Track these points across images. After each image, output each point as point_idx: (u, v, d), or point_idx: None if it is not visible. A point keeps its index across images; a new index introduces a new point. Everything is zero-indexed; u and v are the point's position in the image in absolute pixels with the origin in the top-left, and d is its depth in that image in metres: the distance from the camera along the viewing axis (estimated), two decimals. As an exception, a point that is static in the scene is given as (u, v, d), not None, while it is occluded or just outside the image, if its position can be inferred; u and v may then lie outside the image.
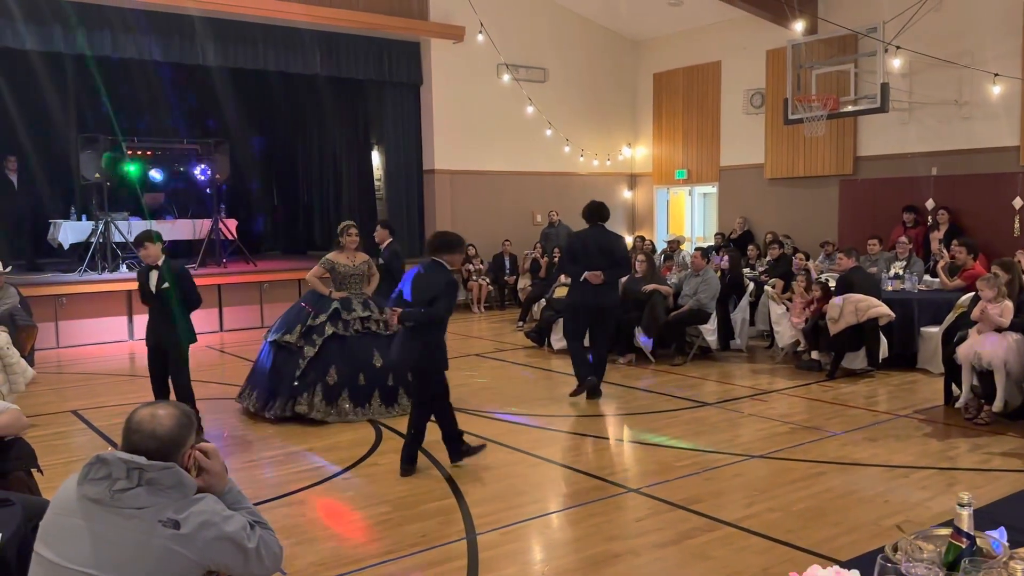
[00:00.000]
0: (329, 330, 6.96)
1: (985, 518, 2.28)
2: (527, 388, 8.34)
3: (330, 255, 7.35)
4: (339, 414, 6.83)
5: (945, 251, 9.23)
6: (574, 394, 7.59)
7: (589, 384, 7.51)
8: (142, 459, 2.14)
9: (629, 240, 16.12)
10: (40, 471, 3.92)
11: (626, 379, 8.55)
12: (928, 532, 2.26)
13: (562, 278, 11.23)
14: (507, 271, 14.37)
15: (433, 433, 6.18)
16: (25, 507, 2.96)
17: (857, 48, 12.28)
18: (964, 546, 1.89)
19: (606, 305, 7.52)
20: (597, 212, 7.63)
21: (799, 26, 11.24)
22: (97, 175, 11.96)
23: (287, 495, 5.17)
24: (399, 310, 5.51)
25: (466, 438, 5.73)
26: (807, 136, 12.19)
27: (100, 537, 2.09)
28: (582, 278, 7.38)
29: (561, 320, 10.05)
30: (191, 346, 6.53)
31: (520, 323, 12.00)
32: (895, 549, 2.05)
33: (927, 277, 9.79)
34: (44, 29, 11.04)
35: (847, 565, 1.96)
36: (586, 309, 7.53)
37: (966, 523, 1.90)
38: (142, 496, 2.11)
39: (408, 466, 5.53)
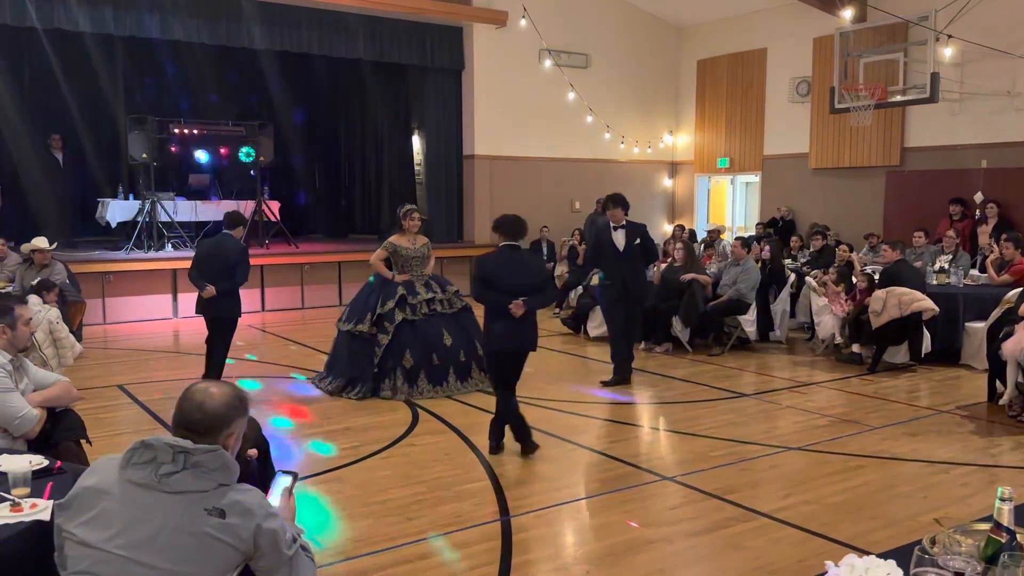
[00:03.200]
0: (399, 316, 7.14)
1: (1025, 515, 2.25)
2: (564, 374, 8.34)
3: (392, 238, 7.46)
4: (420, 394, 7.08)
5: (996, 245, 9.03)
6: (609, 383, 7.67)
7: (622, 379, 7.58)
8: (188, 443, 2.17)
9: (668, 228, 16.03)
10: (89, 442, 4.03)
11: (662, 368, 8.52)
12: (967, 526, 2.24)
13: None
14: (544, 257, 14.36)
15: (471, 416, 6.24)
16: (76, 476, 3.05)
17: (907, 37, 12.02)
18: (1004, 540, 1.87)
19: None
20: (623, 203, 7.63)
21: (848, 13, 11.04)
22: (145, 155, 12.18)
23: (325, 472, 5.26)
24: (520, 300, 5.39)
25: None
26: (853, 126, 11.98)
27: (143, 522, 2.11)
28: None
29: (598, 307, 10.07)
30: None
31: (557, 310, 12.01)
32: (933, 542, 2.04)
33: (973, 272, 9.59)
34: (95, 11, 11.24)
35: (883, 557, 1.95)
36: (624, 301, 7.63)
37: (1006, 518, 1.89)
38: (188, 479, 2.14)
39: (495, 443, 5.68)
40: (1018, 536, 1.91)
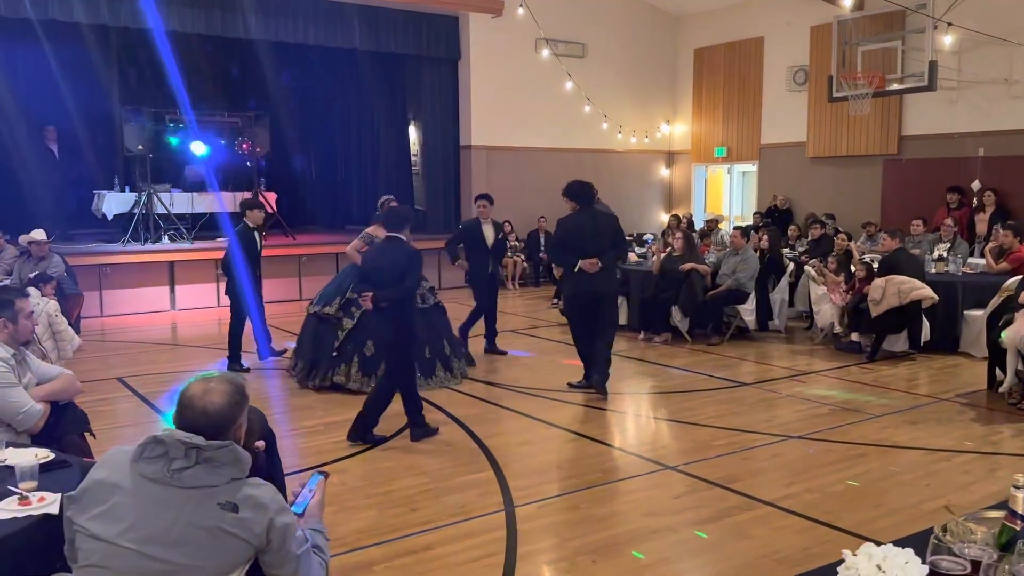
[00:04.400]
0: None
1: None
2: (563, 364, 8.34)
3: (370, 229, 7.44)
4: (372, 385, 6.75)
5: (1000, 231, 9.02)
6: (575, 386, 7.11)
7: (596, 383, 6.87)
8: (200, 439, 2.16)
9: (664, 219, 16.03)
10: (93, 435, 4.02)
11: (662, 358, 8.53)
12: (977, 514, 2.25)
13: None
14: (542, 248, 14.35)
15: (473, 407, 6.24)
16: (83, 469, 3.04)
17: (905, 25, 12.01)
18: (1018, 528, 1.87)
19: (607, 292, 6.88)
20: (588, 193, 6.93)
21: (847, 1, 11.01)
22: (140, 147, 12.13)
23: (329, 463, 5.25)
24: (370, 294, 5.58)
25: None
26: (852, 114, 11.97)
27: (155, 516, 2.11)
28: (577, 268, 6.67)
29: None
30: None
31: (555, 300, 12.00)
32: (944, 530, 2.04)
33: (971, 260, 9.61)
34: (90, 2, 11.18)
35: (898, 545, 1.95)
36: (586, 299, 6.89)
37: (1021, 505, 1.89)
38: (200, 475, 2.14)
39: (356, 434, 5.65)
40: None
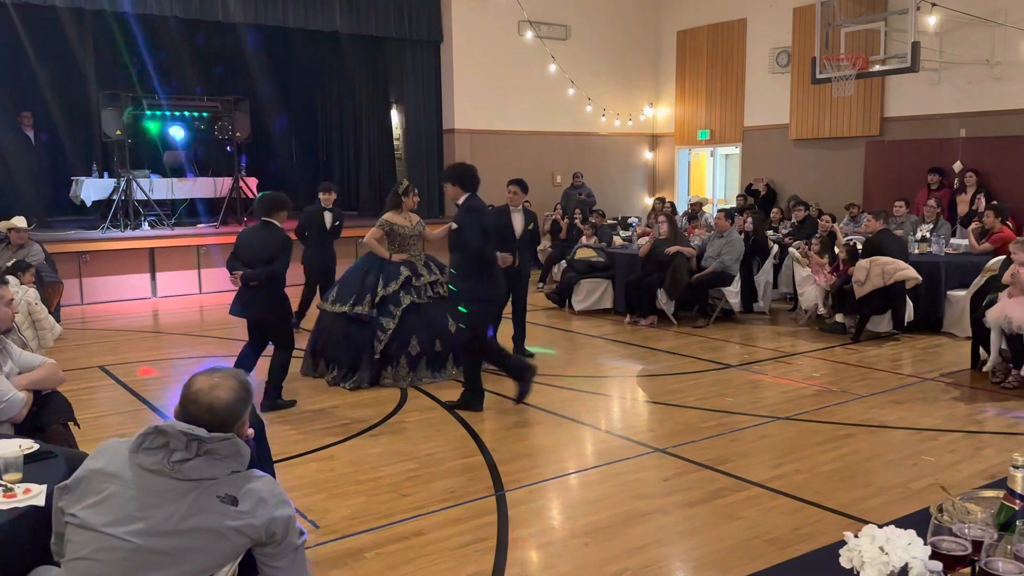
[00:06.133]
0: (406, 300, 6.72)
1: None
2: (550, 349, 8.33)
3: (387, 216, 6.94)
4: (420, 380, 6.75)
5: (991, 211, 9.05)
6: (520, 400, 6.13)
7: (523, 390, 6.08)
8: (202, 431, 2.12)
9: (649, 202, 16.02)
10: (77, 424, 3.96)
11: (648, 341, 8.54)
12: (973, 494, 2.25)
13: (583, 239, 11.22)
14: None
15: (452, 393, 6.21)
16: (68, 459, 2.99)
17: (887, 6, 12.03)
18: (1017, 508, 1.87)
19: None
20: (471, 178, 6.07)
21: (829, -18, 10.99)
22: (119, 132, 11.95)
23: (316, 451, 5.22)
24: (239, 273, 5.91)
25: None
26: (836, 96, 11.98)
27: (154, 508, 2.07)
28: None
29: (583, 281, 10.06)
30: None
31: (541, 284, 11.99)
32: (940, 510, 2.04)
33: (954, 240, 9.67)
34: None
35: (883, 525, 1.94)
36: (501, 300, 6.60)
37: (1020, 485, 1.89)
38: (201, 467, 2.10)
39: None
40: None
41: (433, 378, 6.80)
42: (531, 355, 7.63)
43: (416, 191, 7.17)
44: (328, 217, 9.08)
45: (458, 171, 6.09)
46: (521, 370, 6.05)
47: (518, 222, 7.72)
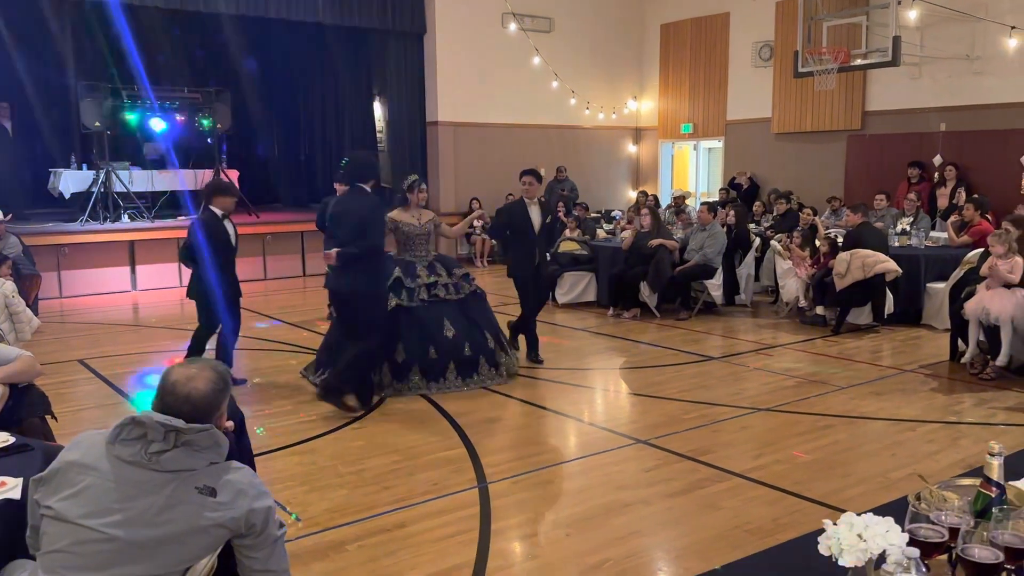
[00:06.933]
0: (392, 302, 6.15)
1: (1005, 470, 2.28)
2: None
3: (393, 213, 6.43)
4: (412, 388, 6.19)
5: (971, 205, 9.14)
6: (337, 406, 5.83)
7: (329, 395, 5.83)
8: (180, 422, 2.10)
9: (632, 196, 16.04)
10: (54, 417, 3.92)
11: (631, 333, 8.56)
12: (950, 482, 2.27)
13: (567, 232, 11.21)
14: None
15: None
16: (44, 453, 2.96)
17: (869, 0, 12.08)
18: (994, 495, 1.89)
19: (358, 291, 5.76)
20: (357, 170, 5.90)
21: (812, -24, 11.03)
22: (98, 123, 11.83)
23: (298, 443, 5.20)
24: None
25: None
26: (818, 89, 12.04)
27: (131, 499, 2.05)
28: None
29: (566, 274, 10.07)
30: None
31: (524, 277, 11.96)
32: (918, 498, 2.05)
33: (933, 233, 9.76)
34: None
35: (862, 514, 1.96)
36: (338, 297, 6.05)
37: (996, 472, 1.90)
38: (179, 458, 2.09)
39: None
40: (1007, 490, 1.93)
41: (428, 388, 6.22)
42: (541, 362, 7.22)
43: (424, 186, 6.61)
44: (536, 213, 7.70)
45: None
46: (362, 390, 5.80)
47: (536, 215, 7.09)
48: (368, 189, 5.83)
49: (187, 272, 11.31)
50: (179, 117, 14.75)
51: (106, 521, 2.03)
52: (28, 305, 7.85)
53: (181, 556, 2.07)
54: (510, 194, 14.13)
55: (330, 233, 6.22)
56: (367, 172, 5.90)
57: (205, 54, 15.27)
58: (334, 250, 5.71)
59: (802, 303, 8.96)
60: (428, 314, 6.28)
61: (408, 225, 6.45)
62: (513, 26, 13.99)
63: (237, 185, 13.35)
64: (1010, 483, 2.01)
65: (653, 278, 9.15)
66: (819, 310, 8.71)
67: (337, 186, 8.67)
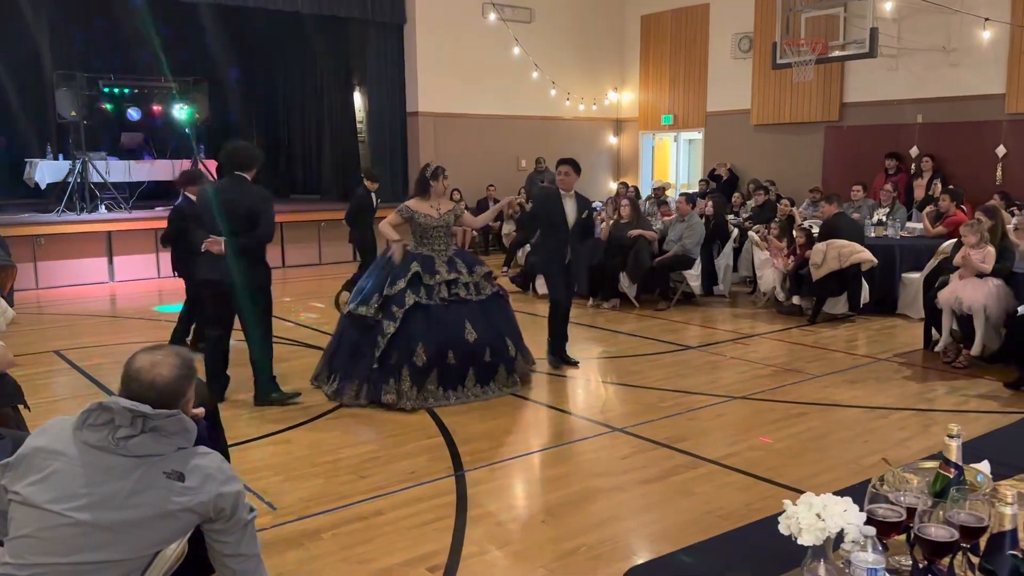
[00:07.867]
0: (410, 299, 5.67)
1: (968, 454, 2.33)
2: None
3: (410, 202, 5.99)
4: (429, 399, 5.66)
5: (947, 195, 9.24)
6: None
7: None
8: (147, 408, 2.10)
9: (613, 187, 16.08)
10: (27, 407, 3.90)
11: (610, 323, 8.60)
12: (914, 465, 2.31)
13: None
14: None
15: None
16: (15, 442, 2.95)
17: (847, -8, 12.15)
18: (952, 476, 1.93)
19: (230, 283, 5.53)
20: (233, 158, 5.75)
21: (790, -32, 11.09)
22: (74, 113, 11.71)
23: (273, 434, 5.19)
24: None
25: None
26: (796, 81, 12.12)
27: (99, 484, 2.05)
28: (203, 247, 5.55)
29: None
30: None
31: (505, 268, 12.00)
32: (882, 480, 2.09)
33: (909, 224, 9.86)
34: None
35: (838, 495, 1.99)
36: (212, 289, 5.69)
37: (954, 454, 1.94)
38: (147, 443, 2.09)
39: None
40: (965, 471, 1.97)
41: (446, 398, 5.68)
42: (575, 363, 6.83)
43: (446, 174, 6.10)
44: (571, 206, 6.84)
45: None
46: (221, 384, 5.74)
47: (571, 208, 6.59)
48: (249, 179, 5.62)
49: (166, 262, 11.28)
50: (156, 107, 14.63)
51: (72, 505, 2.03)
52: (3, 296, 7.76)
53: (149, 540, 2.07)
54: (491, 185, 14.18)
55: (202, 222, 5.67)
56: (249, 161, 5.70)
57: (183, 43, 15.12)
58: (222, 239, 5.43)
59: (779, 293, 9.04)
60: (448, 315, 5.76)
61: (425, 216, 5.92)
62: (493, 16, 13.97)
63: (215, 175, 13.28)
64: (969, 465, 2.06)
65: (632, 268, 9.20)
66: (796, 300, 8.78)
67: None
